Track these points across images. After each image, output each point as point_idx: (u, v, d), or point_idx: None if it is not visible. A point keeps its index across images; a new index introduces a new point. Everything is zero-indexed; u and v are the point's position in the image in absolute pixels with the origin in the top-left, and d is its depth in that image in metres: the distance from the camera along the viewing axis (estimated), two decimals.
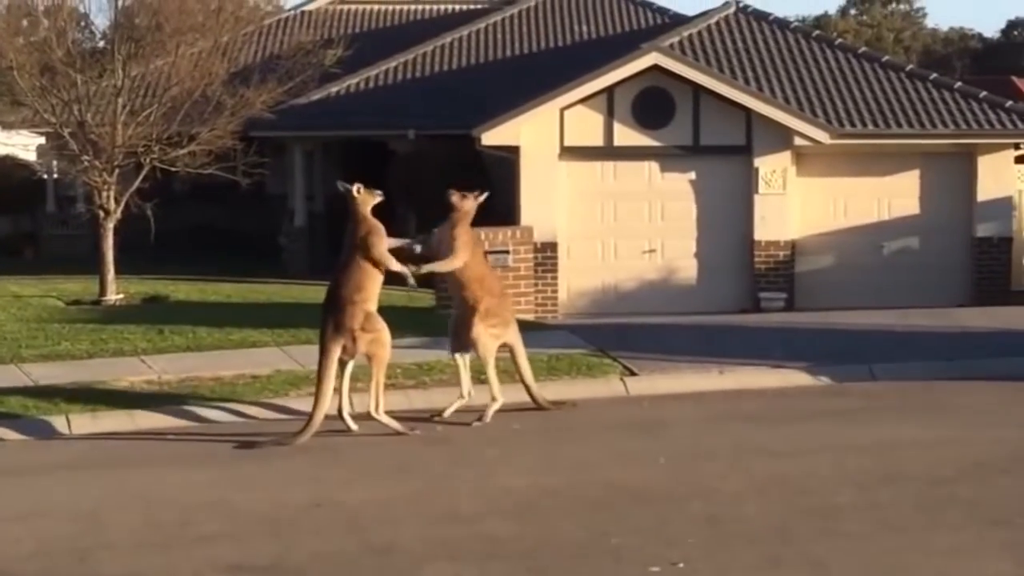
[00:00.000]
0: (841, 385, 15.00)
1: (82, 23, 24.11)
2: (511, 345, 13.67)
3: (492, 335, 13.44)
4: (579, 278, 23.90)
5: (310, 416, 12.36)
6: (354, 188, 12.96)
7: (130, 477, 11.38)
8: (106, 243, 22.05)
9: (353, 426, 12.60)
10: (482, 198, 13.75)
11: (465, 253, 13.40)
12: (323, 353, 12.63)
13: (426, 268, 13.47)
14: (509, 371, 13.88)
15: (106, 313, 20.24)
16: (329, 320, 12.67)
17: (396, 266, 12.87)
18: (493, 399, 13.35)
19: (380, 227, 12.87)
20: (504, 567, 8.60)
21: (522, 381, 13.76)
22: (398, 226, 30.66)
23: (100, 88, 22.89)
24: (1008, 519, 9.40)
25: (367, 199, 12.96)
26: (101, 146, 22.03)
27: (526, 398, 14.18)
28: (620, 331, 18.16)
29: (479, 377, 13.63)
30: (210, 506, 10.23)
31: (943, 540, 9.01)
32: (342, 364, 12.73)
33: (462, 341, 13.51)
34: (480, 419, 13.13)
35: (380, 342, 12.71)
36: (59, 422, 13.16)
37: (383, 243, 12.81)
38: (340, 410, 12.67)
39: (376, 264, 12.72)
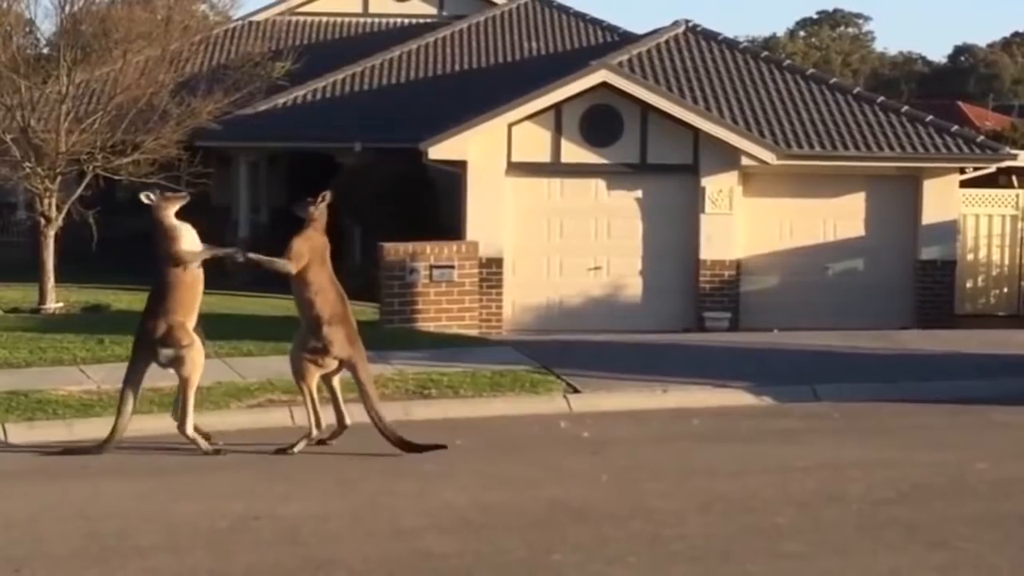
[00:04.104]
0: (784, 405, 15.02)
1: (28, 28, 23.96)
2: (354, 372, 12.47)
3: (311, 361, 12.36)
4: (524, 294, 23.91)
5: (112, 428, 12.17)
6: (143, 197, 12.38)
7: (67, 487, 11.25)
8: (47, 251, 21.90)
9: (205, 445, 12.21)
10: (323, 202, 12.59)
11: (297, 260, 12.33)
12: (129, 363, 12.42)
13: (252, 256, 12.77)
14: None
15: (45, 322, 20.06)
16: (139, 330, 12.39)
17: (206, 254, 12.35)
18: (309, 432, 12.43)
19: (178, 229, 12.24)
20: None
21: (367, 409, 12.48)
22: (343, 239, 30.70)
23: (44, 94, 22.76)
24: (947, 541, 9.42)
25: (163, 204, 12.31)
26: (44, 152, 21.89)
27: (462, 414, 14.16)
28: (564, 348, 18.14)
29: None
30: (148, 517, 10.12)
31: (883, 562, 9.01)
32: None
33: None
34: (289, 449, 12.26)
35: (182, 359, 12.15)
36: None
37: (180, 241, 12.19)
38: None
39: (178, 262, 12.14)
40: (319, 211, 12.55)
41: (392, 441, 12.21)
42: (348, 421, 12.55)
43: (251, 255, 12.84)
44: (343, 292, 12.58)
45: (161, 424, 13.12)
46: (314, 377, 12.39)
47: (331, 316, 12.36)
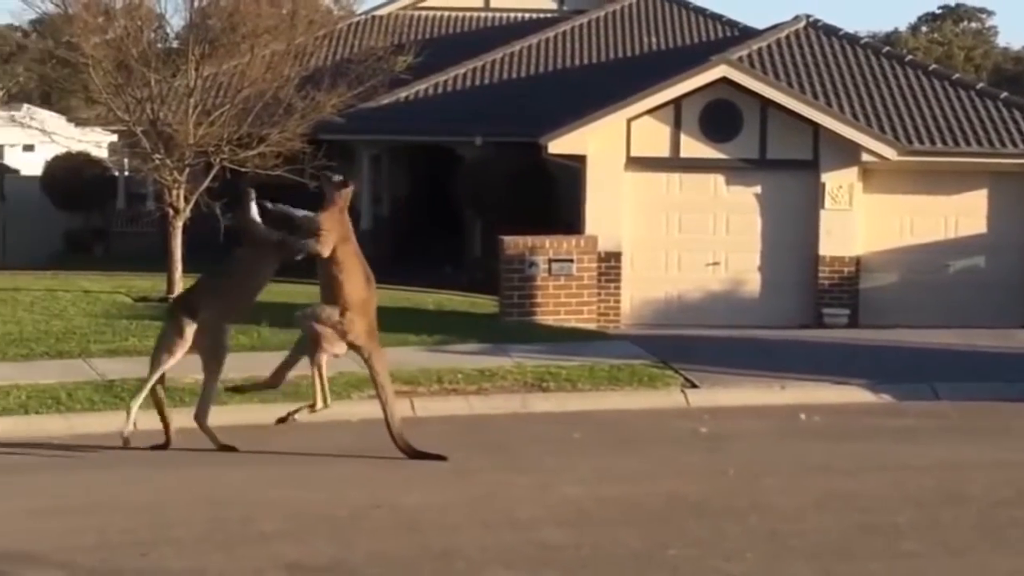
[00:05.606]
0: (902, 403, 14.95)
1: (158, 23, 24.37)
2: (369, 365, 12.26)
3: (323, 335, 12.03)
4: (642, 288, 23.89)
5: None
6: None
7: (193, 473, 11.50)
8: (175, 241, 22.25)
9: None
10: (347, 188, 12.43)
11: (327, 241, 12.01)
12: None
13: (284, 236, 12.27)
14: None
15: None
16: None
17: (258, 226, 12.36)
18: (311, 404, 12.24)
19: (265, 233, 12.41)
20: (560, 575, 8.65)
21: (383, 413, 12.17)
22: (464, 231, 30.90)
23: (173, 87, 23.11)
24: None
25: (244, 213, 12.50)
26: (173, 144, 22.23)
27: (580, 407, 14.25)
28: (682, 343, 18.16)
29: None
30: (270, 504, 10.33)
31: (1003, 563, 8.97)
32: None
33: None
34: (287, 418, 12.29)
35: (208, 350, 12.33)
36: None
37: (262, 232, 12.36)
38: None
39: (253, 239, 12.32)
40: (343, 197, 12.33)
41: (398, 445, 11.96)
42: (329, 402, 12.27)
43: (283, 236, 12.30)
44: (371, 274, 12.30)
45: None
46: (324, 354, 12.08)
47: (355, 304, 12.04)
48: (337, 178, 12.46)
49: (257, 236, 12.40)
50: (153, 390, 12.42)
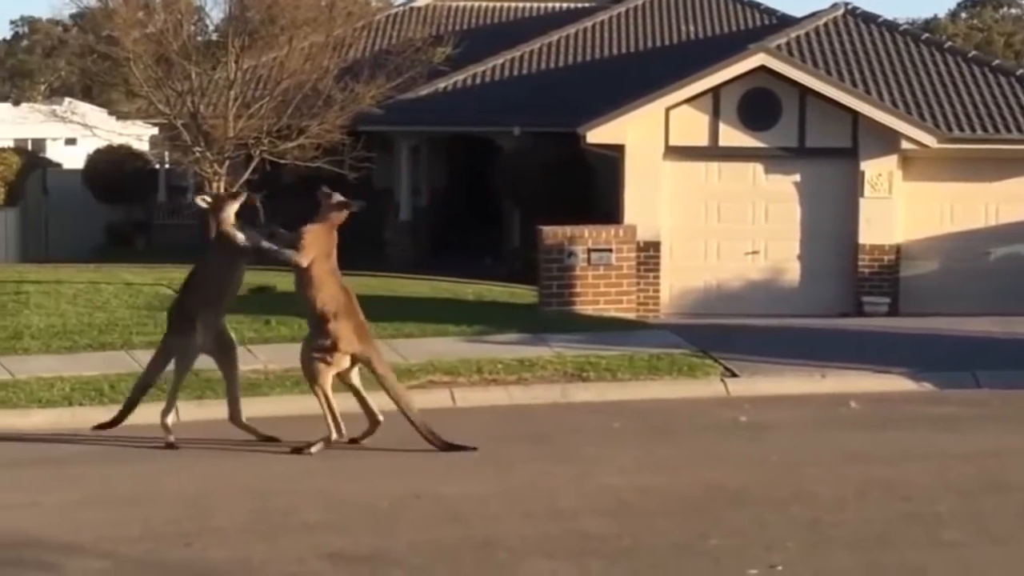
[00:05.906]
0: (944, 392, 14.90)
1: (197, 16, 24.48)
2: (371, 368, 12.22)
3: (320, 360, 12.07)
4: (681, 278, 23.87)
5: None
6: (200, 201, 12.91)
7: (235, 464, 11.57)
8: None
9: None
10: (347, 210, 12.36)
11: (307, 254, 12.07)
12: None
13: (264, 245, 12.35)
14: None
15: None
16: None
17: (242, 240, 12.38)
18: (328, 436, 12.00)
19: (233, 235, 12.44)
20: (601, 565, 8.65)
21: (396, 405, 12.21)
22: (503, 222, 30.95)
23: (213, 80, 23.22)
24: None
25: (222, 206, 12.69)
26: (213, 137, 22.34)
27: (619, 396, 14.25)
28: (722, 332, 18.14)
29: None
30: (313, 495, 10.38)
31: None
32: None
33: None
34: (306, 449, 11.93)
35: (218, 351, 12.58)
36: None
37: (236, 239, 12.43)
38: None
39: (226, 242, 12.40)
40: (338, 217, 12.29)
41: (427, 438, 11.93)
42: (380, 418, 12.16)
43: (264, 244, 12.42)
44: (347, 286, 12.31)
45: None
46: (327, 378, 12.05)
47: (336, 310, 12.04)
48: (337, 199, 12.38)
49: (235, 244, 12.43)
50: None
